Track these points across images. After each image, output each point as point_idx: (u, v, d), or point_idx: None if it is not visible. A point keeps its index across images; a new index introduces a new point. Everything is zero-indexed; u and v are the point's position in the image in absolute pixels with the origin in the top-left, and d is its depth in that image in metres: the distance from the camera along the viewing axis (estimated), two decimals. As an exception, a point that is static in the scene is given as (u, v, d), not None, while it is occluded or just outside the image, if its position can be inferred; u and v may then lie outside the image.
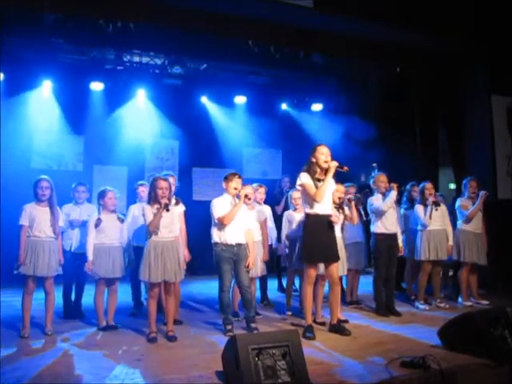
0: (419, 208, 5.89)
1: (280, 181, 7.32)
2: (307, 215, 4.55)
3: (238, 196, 4.68)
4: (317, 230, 4.49)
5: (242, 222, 4.69)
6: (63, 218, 4.84)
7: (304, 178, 4.50)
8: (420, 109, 8.38)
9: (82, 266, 4.80)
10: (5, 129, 7.01)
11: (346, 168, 4.51)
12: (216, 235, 4.62)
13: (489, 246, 6.23)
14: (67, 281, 5.23)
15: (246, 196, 4.65)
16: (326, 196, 4.47)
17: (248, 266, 4.70)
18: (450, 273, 6.73)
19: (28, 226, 4.47)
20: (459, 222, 6.11)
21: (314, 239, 4.48)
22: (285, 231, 5.55)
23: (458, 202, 6.15)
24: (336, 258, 4.61)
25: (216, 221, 4.61)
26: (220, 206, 4.62)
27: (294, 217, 5.48)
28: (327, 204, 4.53)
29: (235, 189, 4.65)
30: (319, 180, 4.49)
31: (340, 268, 5.03)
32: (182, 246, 4.87)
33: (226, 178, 4.73)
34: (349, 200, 5.30)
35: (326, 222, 4.51)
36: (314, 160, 4.54)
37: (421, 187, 5.96)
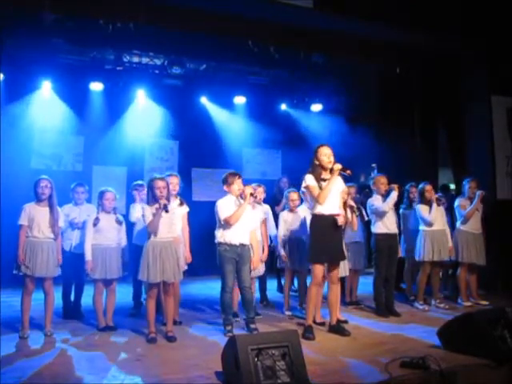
0: (422, 207, 5.85)
1: (278, 181, 7.30)
2: (313, 215, 4.56)
3: (241, 196, 4.63)
4: (323, 229, 4.49)
5: (247, 222, 4.66)
6: (63, 218, 4.83)
7: (309, 180, 4.51)
8: (420, 109, 8.37)
9: (82, 267, 4.79)
10: (5, 129, 6.99)
11: (348, 172, 4.50)
12: (220, 235, 4.60)
13: (488, 246, 6.22)
14: (67, 281, 5.23)
15: (251, 194, 4.62)
16: (329, 197, 4.46)
17: (252, 267, 4.69)
18: (449, 272, 6.72)
19: (27, 226, 4.46)
20: (458, 223, 6.10)
21: (320, 239, 4.48)
22: (280, 231, 5.52)
23: (457, 202, 6.13)
24: (342, 258, 4.69)
25: (222, 222, 4.58)
26: (225, 207, 4.58)
27: (289, 217, 5.47)
28: (333, 204, 4.52)
29: (238, 189, 4.61)
30: (324, 180, 4.50)
31: (341, 268, 5.03)
32: (184, 247, 4.86)
33: (227, 181, 4.65)
34: (350, 208, 5.21)
35: (331, 222, 4.50)
36: (317, 162, 4.53)
37: (420, 188, 5.94)
